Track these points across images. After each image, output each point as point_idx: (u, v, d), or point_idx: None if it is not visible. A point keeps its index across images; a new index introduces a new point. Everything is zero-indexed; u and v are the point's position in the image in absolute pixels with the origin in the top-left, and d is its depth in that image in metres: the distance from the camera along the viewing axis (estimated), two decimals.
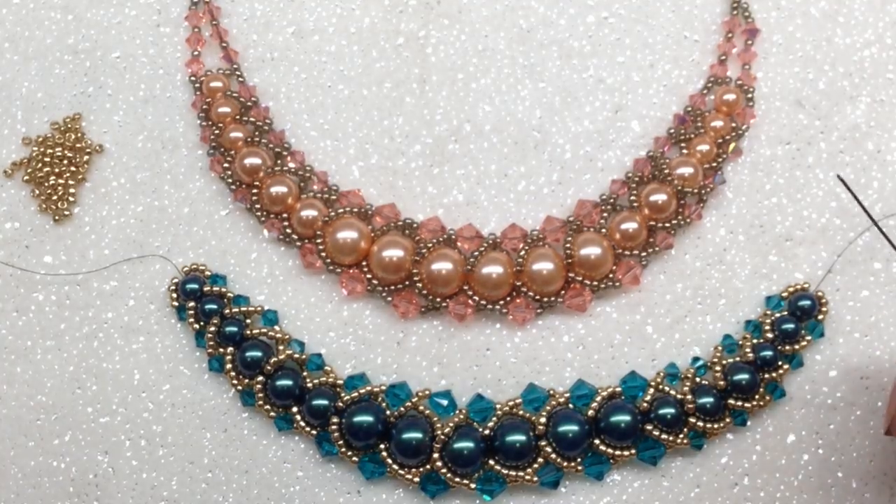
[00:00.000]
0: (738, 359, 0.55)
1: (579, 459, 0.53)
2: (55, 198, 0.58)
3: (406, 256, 0.56)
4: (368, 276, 0.56)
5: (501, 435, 0.53)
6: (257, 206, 0.57)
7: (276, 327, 0.56)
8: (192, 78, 0.60)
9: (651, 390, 0.54)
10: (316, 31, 0.61)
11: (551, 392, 0.54)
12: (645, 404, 0.53)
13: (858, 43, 0.61)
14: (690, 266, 0.57)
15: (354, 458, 0.53)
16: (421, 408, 0.54)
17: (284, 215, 0.57)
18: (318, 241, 0.57)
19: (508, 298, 0.56)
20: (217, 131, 0.59)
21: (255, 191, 0.58)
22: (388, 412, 0.54)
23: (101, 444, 0.55)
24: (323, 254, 0.56)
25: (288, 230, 0.57)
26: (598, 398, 0.54)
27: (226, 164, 0.58)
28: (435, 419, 0.53)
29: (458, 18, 0.61)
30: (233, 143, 0.58)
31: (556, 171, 0.59)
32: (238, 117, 0.59)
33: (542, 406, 0.54)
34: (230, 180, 0.58)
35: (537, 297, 0.56)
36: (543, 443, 0.53)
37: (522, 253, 0.56)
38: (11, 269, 0.57)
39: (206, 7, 0.61)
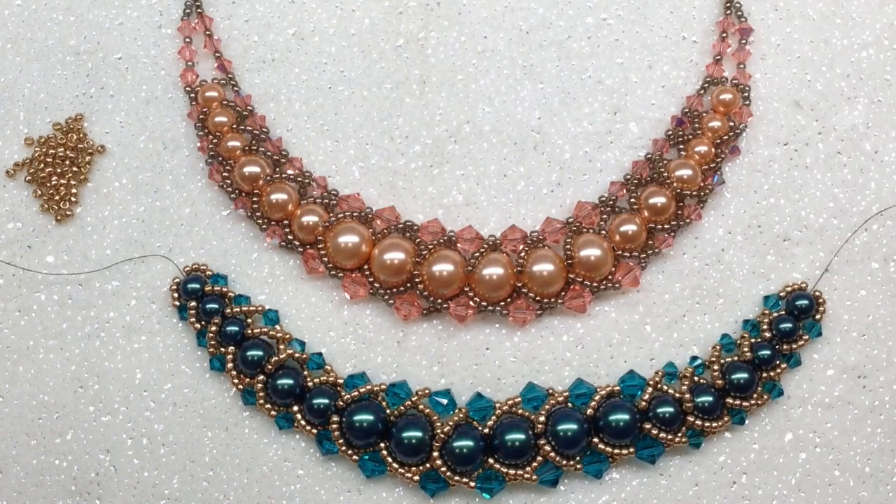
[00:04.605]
0: (736, 358, 0.55)
1: (578, 458, 0.53)
2: (57, 198, 0.59)
3: (407, 259, 0.56)
4: (370, 279, 0.56)
5: (501, 434, 0.53)
6: (258, 213, 0.58)
7: (277, 327, 0.56)
8: (188, 88, 0.60)
9: (650, 389, 0.54)
10: (316, 33, 0.62)
11: (550, 391, 0.55)
12: (643, 403, 0.54)
13: (856, 44, 0.61)
14: (689, 266, 0.57)
15: (355, 457, 0.54)
16: (421, 406, 0.54)
17: (285, 222, 0.58)
18: (320, 246, 0.57)
19: (509, 300, 0.56)
20: (215, 141, 0.59)
21: (255, 199, 0.58)
22: (388, 411, 0.54)
23: (103, 443, 0.56)
24: (325, 259, 0.57)
25: (289, 237, 0.57)
26: (597, 397, 0.54)
27: (225, 174, 0.58)
28: (435, 418, 0.54)
29: (458, 20, 0.62)
30: (231, 152, 0.59)
31: (555, 171, 0.59)
32: (235, 126, 0.59)
33: (542, 405, 0.54)
34: (230, 189, 0.58)
35: (538, 299, 0.56)
36: (542, 441, 0.53)
37: (523, 254, 0.56)
38: (14, 268, 0.58)
39: (199, 17, 0.62)
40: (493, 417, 0.54)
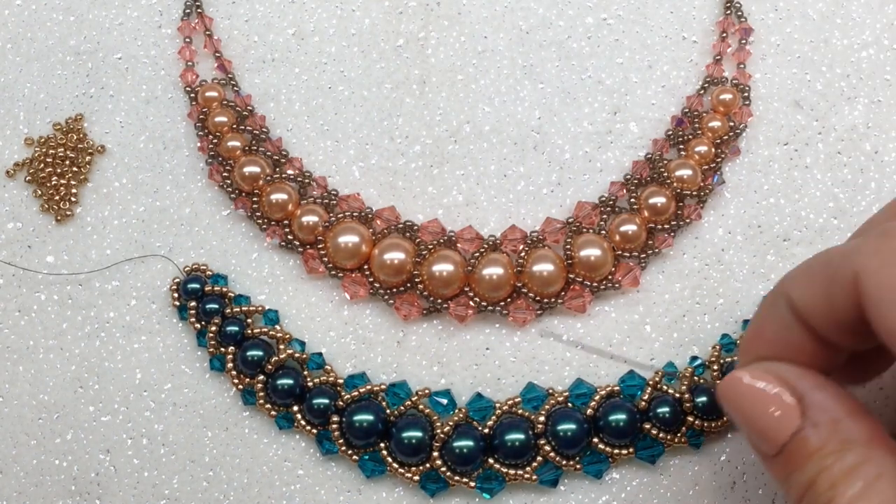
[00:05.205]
0: (736, 358, 0.55)
1: (578, 458, 0.53)
2: (57, 198, 0.59)
3: (407, 259, 0.56)
4: (370, 279, 0.56)
5: (501, 434, 0.53)
6: (258, 213, 0.58)
7: (277, 327, 0.56)
8: (188, 88, 0.60)
9: (649, 389, 0.54)
10: (316, 33, 0.62)
11: (550, 391, 0.55)
12: (643, 403, 0.54)
13: (856, 44, 0.61)
14: (689, 266, 0.57)
15: (355, 457, 0.54)
16: (421, 407, 0.54)
17: (285, 222, 0.58)
18: (320, 246, 0.57)
19: (509, 300, 0.56)
20: (215, 141, 0.59)
21: (255, 199, 0.58)
22: (388, 411, 0.54)
23: (103, 443, 0.56)
24: (325, 259, 0.57)
25: (289, 237, 0.57)
26: (597, 397, 0.54)
27: (225, 174, 0.58)
28: (435, 418, 0.54)
29: (458, 20, 0.62)
30: (231, 152, 0.59)
31: (555, 171, 0.59)
32: (235, 126, 0.59)
33: (542, 405, 0.54)
34: (230, 189, 0.58)
35: (538, 299, 0.56)
36: (542, 441, 0.53)
37: (523, 254, 0.56)
38: (14, 268, 0.58)
39: (199, 17, 0.62)
40: (493, 417, 0.54)
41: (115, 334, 0.57)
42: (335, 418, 0.54)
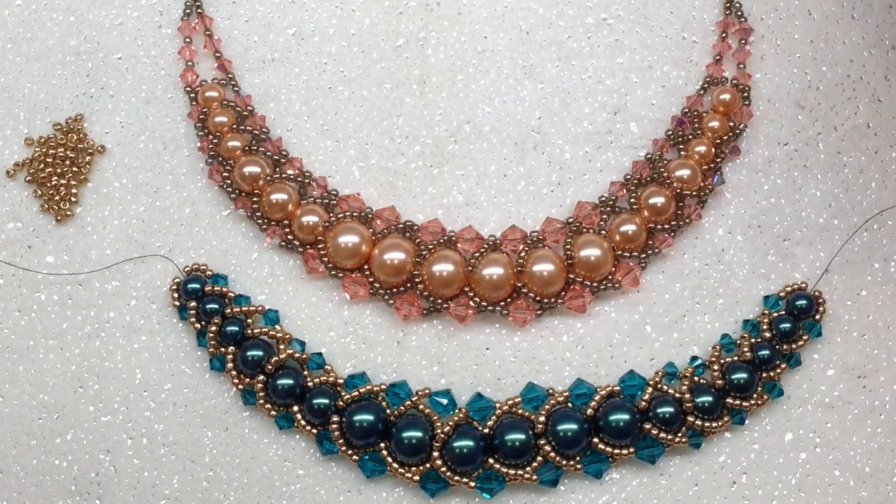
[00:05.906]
0: (736, 358, 0.55)
1: (578, 458, 0.53)
2: (57, 198, 0.59)
3: (407, 259, 0.56)
4: (370, 279, 0.56)
5: (501, 434, 0.53)
6: (258, 213, 0.58)
7: (277, 327, 0.56)
8: (188, 88, 0.60)
9: (650, 389, 0.54)
10: (316, 33, 0.62)
11: (550, 391, 0.55)
12: (643, 403, 0.54)
13: (856, 44, 0.61)
14: (689, 266, 0.57)
15: (355, 457, 0.54)
16: (421, 407, 0.54)
17: (285, 222, 0.58)
18: (320, 246, 0.57)
19: (509, 300, 0.56)
20: (215, 141, 0.59)
21: (255, 199, 0.58)
22: (388, 411, 0.54)
23: (103, 443, 0.56)
24: (325, 259, 0.57)
25: (289, 237, 0.57)
26: (597, 397, 0.54)
27: (225, 174, 0.58)
28: (435, 418, 0.54)
29: (458, 20, 0.62)
30: (231, 152, 0.59)
31: (555, 171, 0.59)
32: (235, 126, 0.59)
33: (542, 405, 0.54)
34: (230, 189, 0.58)
35: (538, 299, 0.56)
36: (543, 441, 0.53)
37: (523, 254, 0.56)
38: (14, 268, 0.58)
39: (199, 17, 0.62)
40: (493, 417, 0.54)
41: (115, 334, 0.57)
42: (335, 418, 0.54)
